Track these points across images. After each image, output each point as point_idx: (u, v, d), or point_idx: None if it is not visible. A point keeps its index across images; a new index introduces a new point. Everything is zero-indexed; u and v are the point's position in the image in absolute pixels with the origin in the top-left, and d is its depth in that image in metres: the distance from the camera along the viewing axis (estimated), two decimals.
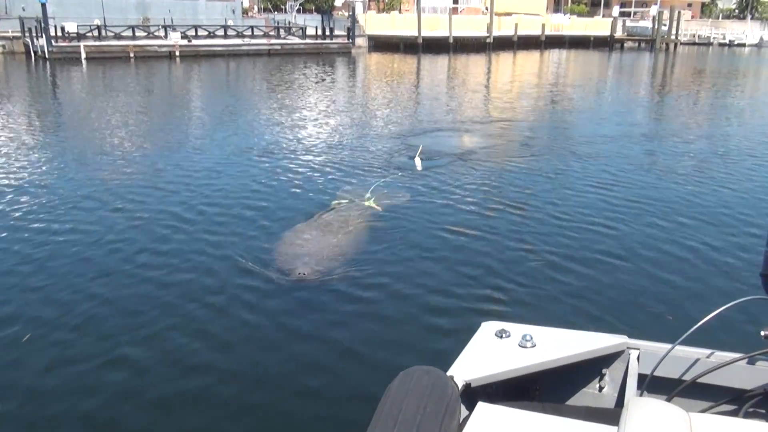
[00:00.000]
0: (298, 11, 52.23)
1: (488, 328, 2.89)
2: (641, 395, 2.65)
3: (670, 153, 12.71)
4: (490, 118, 17.40)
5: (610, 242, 7.34)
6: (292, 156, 11.79)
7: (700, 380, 2.64)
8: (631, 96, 23.95)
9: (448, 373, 2.52)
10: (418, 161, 10.99)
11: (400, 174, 10.21)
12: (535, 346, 2.72)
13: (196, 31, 38.50)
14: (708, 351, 2.70)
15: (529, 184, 9.96)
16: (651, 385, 2.68)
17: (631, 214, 8.42)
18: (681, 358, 2.72)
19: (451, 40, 45.78)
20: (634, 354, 2.84)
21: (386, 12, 55.50)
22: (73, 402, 4.22)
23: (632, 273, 6.49)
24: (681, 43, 56.86)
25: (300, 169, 10.69)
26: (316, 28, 43.58)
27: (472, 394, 2.56)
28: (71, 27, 33.62)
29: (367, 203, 8.36)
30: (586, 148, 12.89)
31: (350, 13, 44.31)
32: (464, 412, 2.43)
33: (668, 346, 2.72)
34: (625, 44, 58.18)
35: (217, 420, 4.08)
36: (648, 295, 5.94)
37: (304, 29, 43.12)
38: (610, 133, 14.83)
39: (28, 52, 33.03)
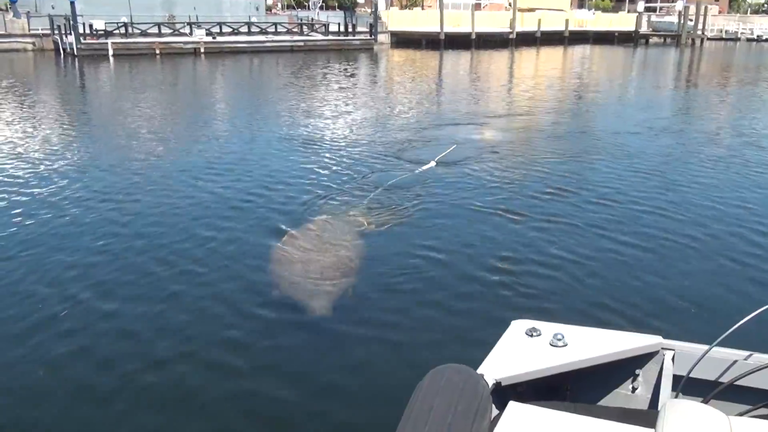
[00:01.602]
0: (321, 8, 52.33)
1: (518, 326, 2.87)
2: (676, 397, 2.61)
3: (702, 148, 12.58)
4: (511, 114, 17.34)
5: (644, 238, 7.26)
6: (304, 154, 11.78)
7: (738, 382, 2.57)
8: (657, 91, 23.71)
9: (478, 372, 2.51)
10: (432, 163, 10.49)
11: (409, 174, 9.98)
12: (566, 345, 2.69)
13: (220, 28, 38.80)
14: (746, 353, 2.64)
15: (552, 178, 9.91)
16: (687, 386, 2.62)
17: (666, 210, 8.32)
18: (718, 359, 2.65)
19: (473, 36, 45.57)
20: (669, 355, 2.78)
21: (409, 8, 55.41)
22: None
23: (667, 271, 6.39)
24: (707, 39, 55.98)
25: (306, 170, 10.52)
26: (339, 24, 43.65)
27: (502, 393, 2.55)
28: (99, 24, 34.10)
29: (361, 217, 7.85)
30: (613, 143, 12.80)
31: (373, 10, 44.33)
32: (494, 411, 2.42)
33: (705, 347, 2.66)
34: (650, 40, 57.42)
35: (251, 418, 4.18)
36: (684, 294, 5.86)
37: (326, 26, 43.24)
38: (637, 128, 14.70)
39: (57, 49, 33.64)
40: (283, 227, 7.49)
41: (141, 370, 4.62)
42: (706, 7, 55.21)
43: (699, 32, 54.47)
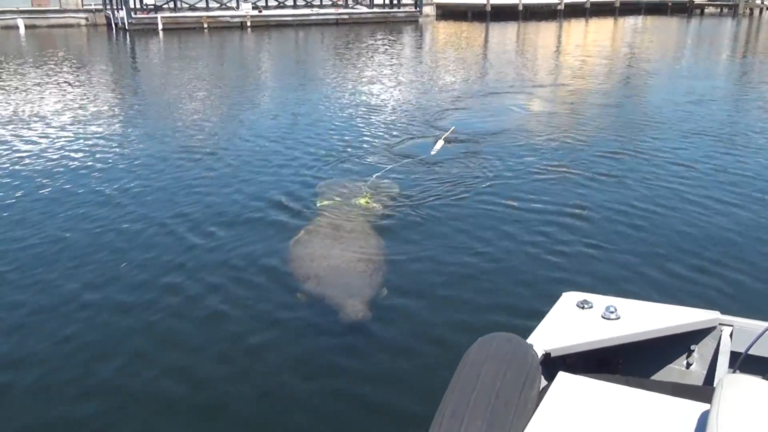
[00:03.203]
0: None
1: (569, 298, 2.84)
2: (734, 374, 2.51)
3: (760, 124, 12.18)
4: (559, 85, 16.91)
5: (705, 208, 7.12)
6: (343, 125, 11.86)
7: None
8: (713, 64, 22.90)
9: (528, 342, 2.49)
10: (439, 144, 9.90)
11: (417, 159, 9.41)
12: (619, 318, 2.64)
13: (266, 2, 38.86)
14: None
15: (605, 145, 9.81)
16: (745, 363, 2.52)
17: (731, 179, 8.15)
18: None
19: (520, 8, 44.54)
20: (726, 331, 2.70)
21: None
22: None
23: (729, 242, 6.25)
24: (767, 8, 53.43)
25: (346, 141, 10.55)
26: None
27: (552, 364, 2.52)
28: None
29: (363, 201, 7.38)
30: (672, 112, 12.58)
31: None
32: (543, 381, 2.40)
33: (765, 323, 2.58)
34: (706, 10, 55.10)
35: (303, 385, 4.29)
36: (744, 269, 5.70)
37: None
38: (695, 98, 14.30)
39: (109, 24, 34.30)
40: (310, 205, 7.47)
41: (168, 366, 4.54)
42: None
43: (758, 1, 52.02)
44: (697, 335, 2.75)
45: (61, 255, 6.23)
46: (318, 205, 7.33)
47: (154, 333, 4.94)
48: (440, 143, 9.97)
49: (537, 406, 2.22)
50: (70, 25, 34.94)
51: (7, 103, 14.04)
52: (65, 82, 17.30)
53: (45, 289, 5.56)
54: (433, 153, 9.58)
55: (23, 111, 13.15)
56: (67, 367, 4.49)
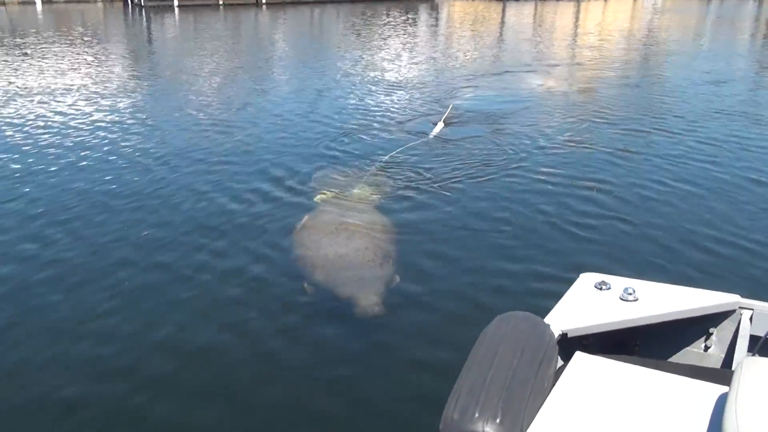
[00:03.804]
0: None
1: (587, 279, 2.83)
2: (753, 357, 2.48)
3: None
4: (576, 64, 16.66)
5: (722, 191, 7.05)
6: (353, 104, 11.78)
7: None
8: (734, 45, 22.48)
9: (545, 321, 2.49)
10: (439, 126, 9.66)
11: (418, 142, 9.09)
12: (637, 299, 2.63)
13: None
14: None
15: (624, 124, 9.68)
16: (764, 347, 2.48)
17: (743, 164, 8.05)
18: None
19: None
20: (746, 314, 2.68)
21: None
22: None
23: (749, 224, 6.16)
24: None
25: (354, 121, 10.43)
26: None
27: (568, 345, 2.52)
28: None
29: (368, 185, 7.14)
30: (691, 92, 12.37)
31: None
32: (559, 361, 2.41)
33: None
34: None
35: (317, 382, 4.20)
36: (764, 253, 5.61)
37: None
38: (710, 81, 13.94)
39: (125, 1, 34.38)
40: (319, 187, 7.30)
41: (173, 355, 4.41)
42: None
43: None
44: (716, 318, 2.73)
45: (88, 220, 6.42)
46: (321, 191, 6.98)
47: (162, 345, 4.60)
48: (440, 125, 9.74)
49: (553, 385, 2.24)
50: (87, 2, 34.97)
51: (28, 78, 14.12)
52: (85, 58, 17.37)
53: (94, 252, 5.76)
54: (431, 136, 9.25)
55: (46, 86, 13.23)
56: (110, 341, 4.54)
